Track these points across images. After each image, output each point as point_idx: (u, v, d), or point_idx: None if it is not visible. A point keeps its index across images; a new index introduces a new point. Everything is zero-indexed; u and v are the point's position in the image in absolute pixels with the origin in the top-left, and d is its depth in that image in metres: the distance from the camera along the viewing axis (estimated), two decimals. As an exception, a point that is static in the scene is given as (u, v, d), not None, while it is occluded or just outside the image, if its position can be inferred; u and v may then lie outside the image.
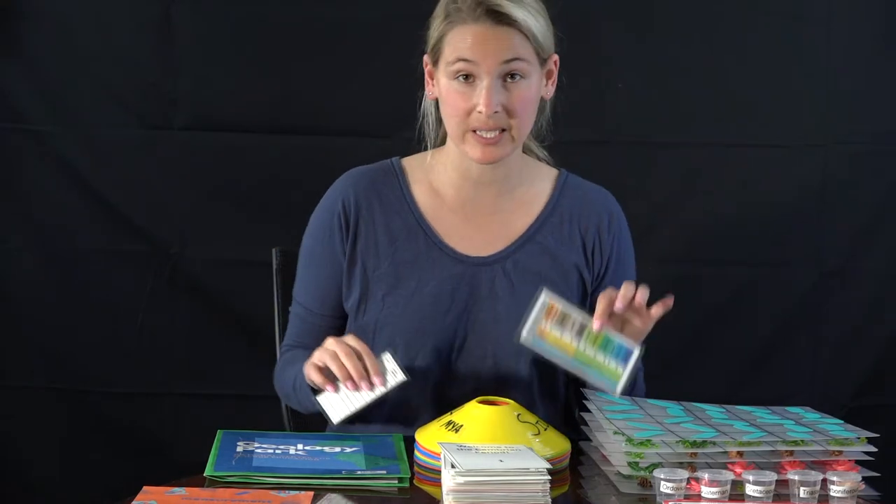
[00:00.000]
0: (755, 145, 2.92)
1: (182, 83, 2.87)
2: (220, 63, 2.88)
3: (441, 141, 2.09)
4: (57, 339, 2.91)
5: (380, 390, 1.85)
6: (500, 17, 1.92)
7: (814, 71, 2.91)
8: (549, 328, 1.87)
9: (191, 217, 2.90)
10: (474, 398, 1.88)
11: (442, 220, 2.05)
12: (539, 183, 2.10)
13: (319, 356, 1.88)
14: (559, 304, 1.87)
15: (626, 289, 1.87)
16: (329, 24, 2.85)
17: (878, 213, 2.95)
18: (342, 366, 1.85)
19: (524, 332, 1.87)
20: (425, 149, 2.11)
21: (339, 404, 1.87)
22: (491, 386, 1.97)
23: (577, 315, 1.87)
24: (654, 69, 2.91)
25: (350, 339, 1.88)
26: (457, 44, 1.94)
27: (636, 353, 1.88)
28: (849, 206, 2.94)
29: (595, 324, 1.86)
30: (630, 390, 1.99)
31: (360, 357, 1.86)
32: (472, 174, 2.04)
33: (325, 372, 1.87)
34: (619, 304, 1.86)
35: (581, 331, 1.87)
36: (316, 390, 1.91)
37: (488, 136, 1.95)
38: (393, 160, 2.11)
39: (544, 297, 1.87)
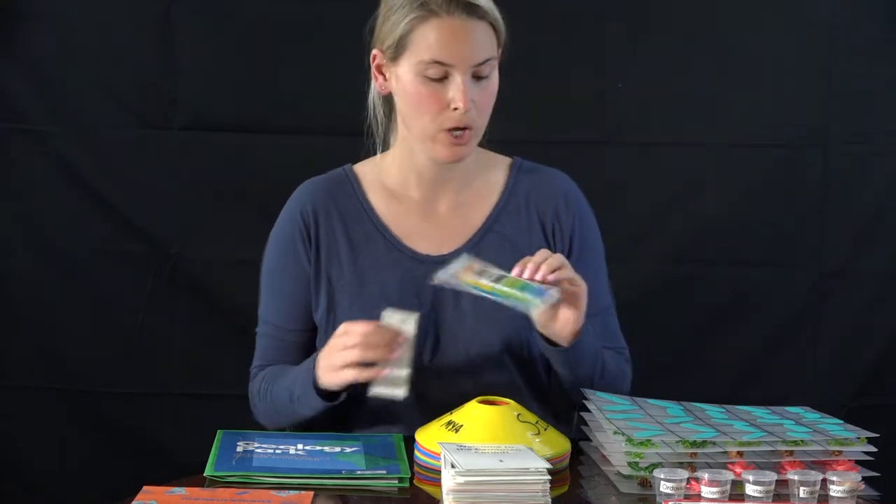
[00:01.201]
0: (756, 145, 2.92)
1: (182, 83, 2.87)
2: (220, 63, 2.88)
3: (390, 139, 2.09)
4: (57, 339, 2.91)
5: (408, 343, 1.85)
6: (471, 10, 1.92)
7: (815, 71, 2.91)
8: (469, 276, 1.86)
9: (191, 217, 2.90)
10: (456, 396, 1.88)
11: (400, 222, 2.05)
12: (494, 173, 2.10)
13: (341, 359, 1.85)
14: (479, 263, 1.87)
15: (539, 255, 1.86)
16: (329, 25, 2.85)
17: (879, 214, 2.95)
18: (373, 350, 1.83)
19: (438, 276, 1.86)
20: (372, 144, 2.11)
21: (392, 381, 1.86)
22: (470, 382, 1.97)
23: (496, 270, 1.86)
24: (654, 69, 2.90)
25: (352, 327, 1.85)
26: (428, 42, 1.92)
27: (553, 292, 1.83)
28: (849, 206, 2.94)
29: (514, 270, 1.85)
30: (600, 372, 1.98)
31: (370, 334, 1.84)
32: (427, 174, 2.04)
33: (357, 366, 1.85)
34: (530, 268, 1.84)
35: (500, 279, 1.85)
36: (333, 394, 1.90)
37: (457, 133, 1.94)
38: (345, 167, 2.11)
39: (465, 258, 1.88)
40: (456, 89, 1.92)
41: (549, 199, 2.08)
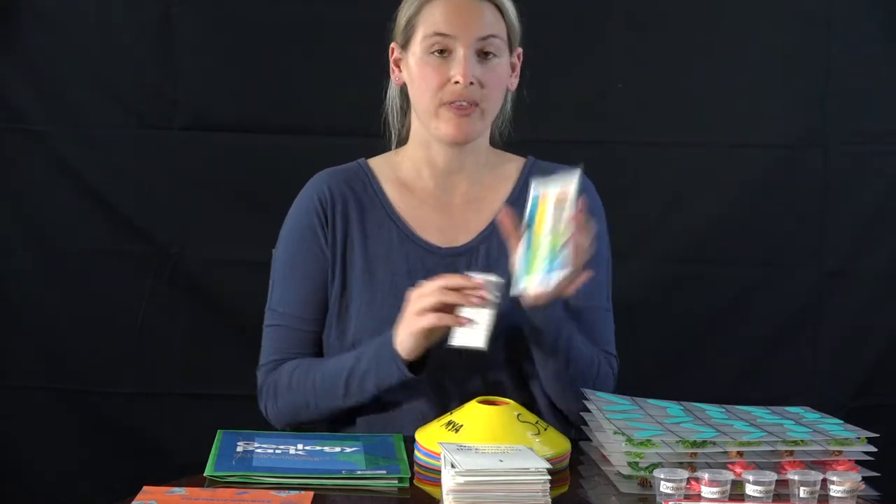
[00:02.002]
0: (756, 145, 2.92)
1: (182, 83, 2.87)
2: (220, 63, 2.88)
3: (406, 134, 2.11)
4: (57, 339, 2.91)
5: (494, 295, 1.85)
6: None
7: (814, 70, 2.91)
8: (551, 198, 1.82)
9: (191, 217, 2.90)
10: (455, 387, 1.88)
11: (413, 213, 2.07)
12: (506, 168, 2.11)
13: (420, 304, 1.85)
14: (572, 195, 1.79)
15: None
16: (329, 24, 2.85)
17: (879, 213, 2.95)
18: (452, 293, 1.83)
19: (539, 181, 1.83)
20: (389, 140, 2.13)
21: (472, 330, 1.85)
22: (467, 373, 1.98)
23: (567, 215, 1.80)
24: (654, 69, 2.91)
25: (429, 284, 1.86)
26: (433, 18, 1.97)
27: (561, 275, 1.79)
28: (849, 206, 2.94)
29: (572, 215, 1.79)
30: (565, 352, 1.95)
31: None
32: (440, 164, 2.06)
33: (438, 309, 1.85)
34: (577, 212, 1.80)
35: (558, 225, 1.80)
36: (417, 366, 1.90)
37: (460, 104, 1.96)
38: (359, 161, 2.13)
39: (579, 177, 1.80)
40: (457, 64, 1.95)
41: None
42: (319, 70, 2.86)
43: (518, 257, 1.83)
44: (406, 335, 1.89)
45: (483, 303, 1.85)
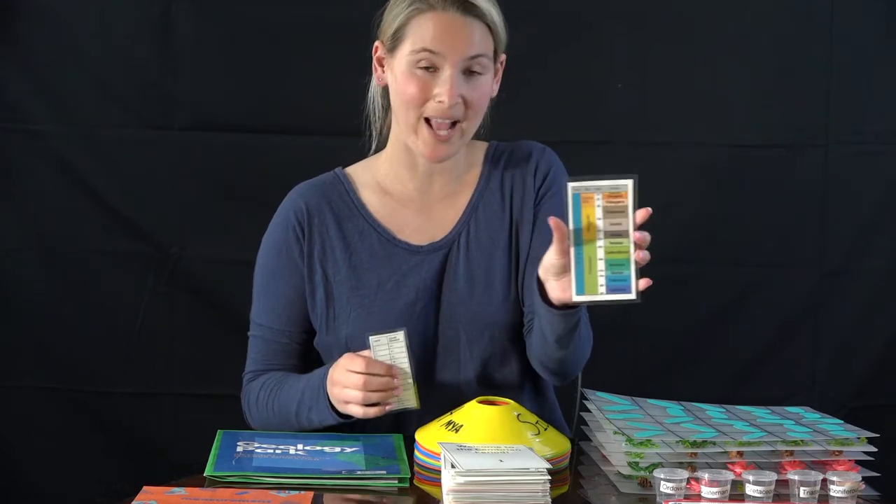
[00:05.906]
0: (756, 145, 2.92)
1: (182, 83, 2.87)
2: (220, 63, 2.88)
3: (386, 132, 2.10)
4: (57, 339, 2.91)
5: (402, 364, 1.87)
6: (467, 8, 1.94)
7: (815, 70, 2.91)
8: (598, 202, 1.76)
9: (191, 217, 2.90)
10: (457, 385, 1.90)
11: (393, 216, 2.07)
12: (474, 156, 2.11)
13: (345, 397, 1.88)
14: (631, 200, 1.76)
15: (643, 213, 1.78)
16: (329, 25, 2.85)
17: (879, 213, 2.95)
18: (375, 393, 1.86)
19: (574, 180, 1.73)
20: (369, 138, 2.12)
21: (402, 397, 1.88)
22: (470, 367, 2.00)
23: (628, 224, 1.77)
24: (654, 69, 2.91)
25: (353, 365, 1.88)
26: (422, 33, 1.95)
27: (630, 298, 1.76)
28: (849, 205, 2.94)
29: (635, 234, 1.77)
30: (577, 341, 1.91)
31: (364, 371, 1.87)
32: (420, 167, 2.07)
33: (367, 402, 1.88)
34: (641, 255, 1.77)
35: (616, 234, 1.77)
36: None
37: (442, 133, 1.96)
38: (336, 170, 2.13)
39: (632, 182, 1.76)
40: (443, 83, 1.94)
41: (517, 171, 2.07)
42: (319, 70, 2.86)
43: (572, 266, 1.75)
44: (335, 402, 1.91)
45: (398, 379, 1.87)
